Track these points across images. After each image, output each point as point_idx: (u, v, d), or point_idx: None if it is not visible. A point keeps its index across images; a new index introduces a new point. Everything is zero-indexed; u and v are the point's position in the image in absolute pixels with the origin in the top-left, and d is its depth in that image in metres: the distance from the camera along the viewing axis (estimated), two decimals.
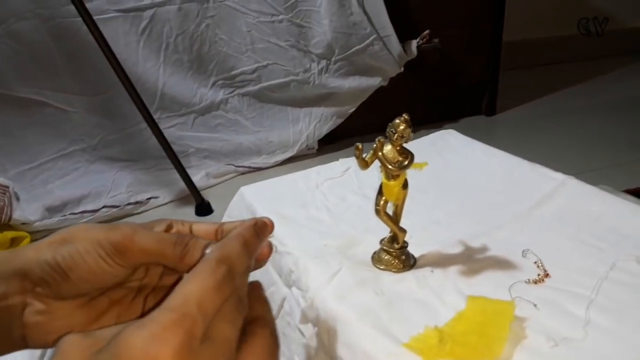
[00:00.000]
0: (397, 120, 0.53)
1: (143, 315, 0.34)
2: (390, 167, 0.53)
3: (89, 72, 1.35)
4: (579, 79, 2.19)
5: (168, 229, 0.37)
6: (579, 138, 1.66)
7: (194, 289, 0.27)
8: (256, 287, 0.36)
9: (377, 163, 0.54)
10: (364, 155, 0.54)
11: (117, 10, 1.37)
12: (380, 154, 0.53)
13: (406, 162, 0.53)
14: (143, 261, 0.35)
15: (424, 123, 1.76)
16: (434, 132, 1.74)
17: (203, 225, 0.38)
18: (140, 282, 0.38)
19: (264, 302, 0.35)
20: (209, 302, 0.27)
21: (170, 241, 0.33)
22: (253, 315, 0.33)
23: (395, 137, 0.53)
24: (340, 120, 1.61)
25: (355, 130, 1.62)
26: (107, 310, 0.36)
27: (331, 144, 1.65)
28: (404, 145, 0.54)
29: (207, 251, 0.32)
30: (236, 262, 0.30)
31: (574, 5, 2.39)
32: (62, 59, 1.33)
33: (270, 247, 0.37)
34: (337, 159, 0.82)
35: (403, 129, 0.52)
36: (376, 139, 0.53)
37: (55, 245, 0.33)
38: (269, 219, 0.39)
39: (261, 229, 0.34)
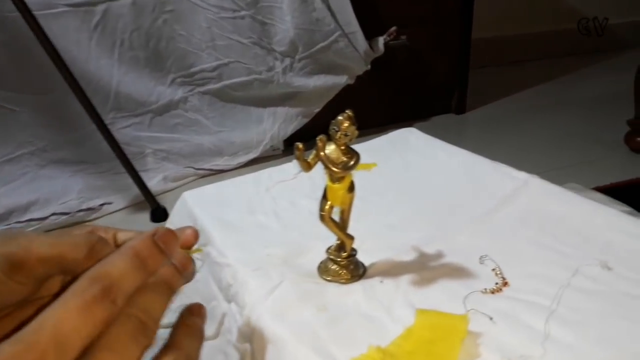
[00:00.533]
0: (340, 117, 0.48)
1: None
2: (333, 168, 0.48)
3: (37, 69, 1.27)
4: (548, 77, 2.17)
5: None
6: (549, 135, 1.63)
7: (52, 313, 0.22)
8: (189, 309, 0.32)
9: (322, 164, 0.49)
10: (305, 157, 0.50)
11: (67, 4, 1.29)
12: (322, 154, 0.48)
13: (351, 163, 0.49)
14: (45, 272, 0.29)
15: (392, 122, 1.72)
16: None
17: (129, 234, 0.33)
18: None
19: (186, 327, 0.31)
20: (70, 328, 0.22)
21: (70, 243, 0.28)
22: (169, 342, 0.29)
23: (338, 135, 0.48)
24: (306, 120, 1.56)
25: (322, 130, 1.55)
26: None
27: None
28: (349, 144, 0.49)
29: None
30: (119, 279, 0.25)
31: (546, 2, 2.38)
32: (6, 54, 1.25)
33: (189, 259, 0.32)
34: None
35: (347, 127, 0.48)
36: (317, 138, 0.48)
37: None
38: (192, 229, 0.34)
39: (164, 239, 0.29)
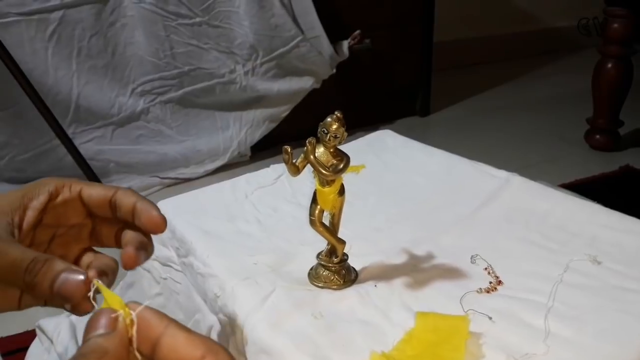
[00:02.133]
0: (329, 119, 0.47)
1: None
2: (324, 171, 0.47)
3: None
4: (510, 77, 2.22)
5: (54, 195, 0.38)
6: (513, 135, 1.67)
7: None
8: None
9: (310, 167, 0.48)
10: (294, 160, 0.48)
11: (19, 13, 1.23)
12: (312, 157, 0.47)
13: (341, 166, 0.47)
14: None
15: (359, 125, 1.72)
16: (369, 134, 1.70)
17: (95, 191, 0.38)
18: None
19: None
20: None
21: (21, 267, 0.32)
22: None
23: (327, 137, 0.47)
24: (273, 125, 1.54)
25: (290, 135, 1.55)
26: None
27: (265, 150, 1.57)
28: (338, 146, 0.48)
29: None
30: None
31: (503, 6, 2.44)
32: None
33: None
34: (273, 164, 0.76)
35: (336, 128, 0.46)
36: (307, 140, 0.47)
37: None
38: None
39: None
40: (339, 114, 0.47)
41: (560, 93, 2.01)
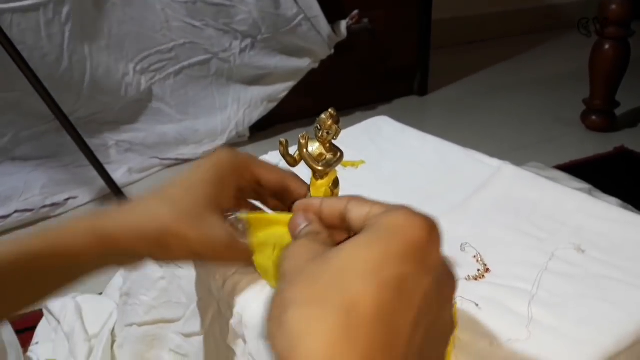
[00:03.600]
0: (323, 116, 0.48)
1: None
2: (315, 166, 0.49)
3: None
4: (507, 56, 2.22)
5: (239, 179, 0.47)
6: (510, 115, 1.68)
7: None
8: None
9: None
10: (290, 152, 0.50)
11: None
12: (304, 151, 0.49)
13: (334, 160, 0.49)
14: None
15: (357, 105, 1.74)
16: (367, 114, 1.72)
17: (271, 177, 0.50)
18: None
19: None
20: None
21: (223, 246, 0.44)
22: None
23: (321, 133, 0.48)
24: (271, 106, 1.55)
25: (288, 116, 1.57)
26: None
27: (264, 130, 1.59)
28: (334, 141, 0.50)
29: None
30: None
31: None
32: None
33: None
34: (271, 146, 0.77)
35: (329, 125, 0.48)
36: (299, 135, 0.49)
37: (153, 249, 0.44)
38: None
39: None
40: (332, 112, 0.48)
41: (558, 71, 2.02)
